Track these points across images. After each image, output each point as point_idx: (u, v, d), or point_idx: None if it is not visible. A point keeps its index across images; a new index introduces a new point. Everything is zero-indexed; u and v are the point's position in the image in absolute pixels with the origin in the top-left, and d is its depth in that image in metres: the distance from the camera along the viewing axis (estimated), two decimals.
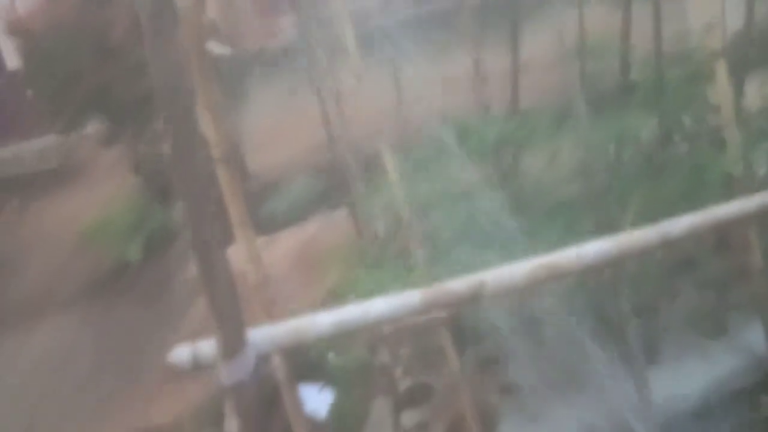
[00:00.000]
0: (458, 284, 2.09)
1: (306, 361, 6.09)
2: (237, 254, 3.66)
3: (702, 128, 5.98)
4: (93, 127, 11.84)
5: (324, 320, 2.05)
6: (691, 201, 5.41)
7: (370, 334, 4.97)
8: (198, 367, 1.97)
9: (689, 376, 5.70)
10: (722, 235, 6.19)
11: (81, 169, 13.16)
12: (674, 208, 5.29)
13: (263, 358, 1.95)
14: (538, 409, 5.68)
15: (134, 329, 8.66)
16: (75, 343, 8.59)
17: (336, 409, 6.18)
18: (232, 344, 1.87)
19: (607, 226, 5.34)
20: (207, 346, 1.95)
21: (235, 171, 4.32)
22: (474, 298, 2.06)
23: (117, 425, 7.27)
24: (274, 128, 9.46)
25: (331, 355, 5.43)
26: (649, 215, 5.45)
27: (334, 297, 6.41)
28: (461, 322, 5.37)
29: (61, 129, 12.50)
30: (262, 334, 1.99)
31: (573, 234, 4.97)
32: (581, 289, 5.38)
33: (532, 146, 5.23)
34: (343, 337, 2.08)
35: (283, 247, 8.88)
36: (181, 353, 1.96)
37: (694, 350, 5.80)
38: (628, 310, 5.21)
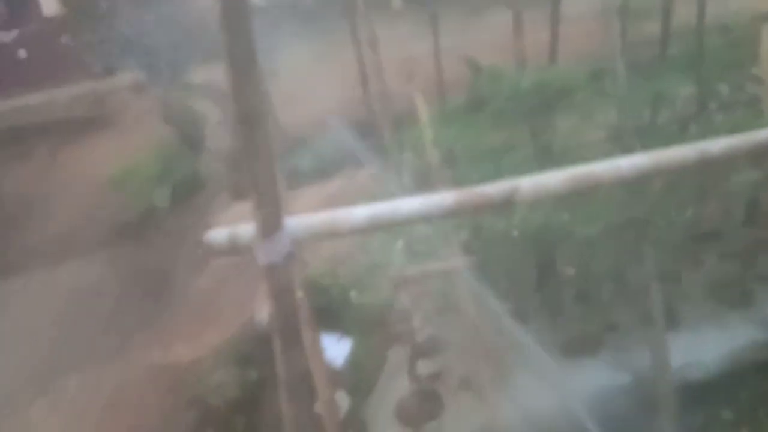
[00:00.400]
0: (492, 188, 2.10)
1: (326, 309, 6.17)
2: None
3: (740, 97, 5.90)
4: (126, 76, 11.97)
5: (359, 213, 2.08)
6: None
7: (394, 277, 5.01)
8: (234, 248, 2.01)
9: (708, 344, 5.68)
10: (751, 209, 6.14)
11: (112, 117, 13.31)
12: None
13: (299, 245, 1.98)
14: (551, 368, 5.69)
15: (158, 272, 8.81)
16: (101, 282, 8.75)
17: (354, 357, 6.26)
18: (270, 224, 1.91)
19: (634, 192, 5.33)
20: (244, 229, 1.99)
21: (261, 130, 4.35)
22: (507, 202, 2.07)
23: (137, 361, 7.42)
24: (306, 83, 9.46)
25: (353, 294, 5.48)
26: (680, 180, 5.43)
27: (357, 250, 6.47)
28: (484, 274, 5.39)
29: (96, 75, 12.64)
30: (299, 222, 2.03)
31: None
32: (605, 250, 5.37)
33: (567, 101, 5.18)
34: (376, 229, 2.11)
35: (306, 203, 8.92)
36: (218, 234, 2.00)
37: (714, 319, 5.77)
38: (651, 274, 5.18)
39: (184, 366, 7.22)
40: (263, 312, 6.10)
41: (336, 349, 6.42)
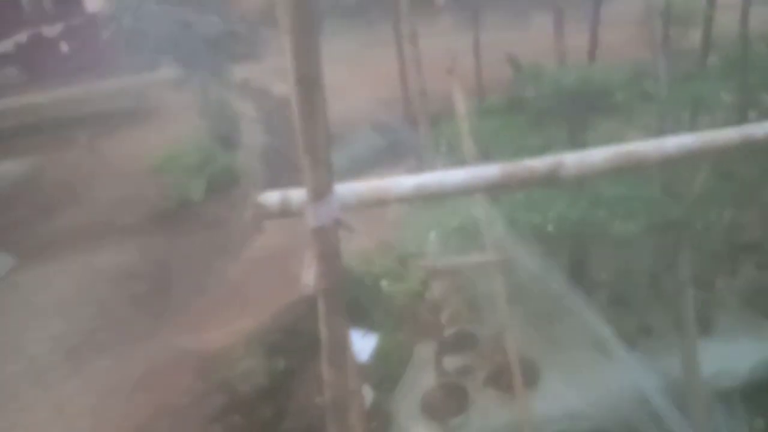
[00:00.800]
0: (537, 162, 2.13)
1: (354, 302, 6.21)
2: None
3: None
4: (165, 71, 12.21)
5: (406, 183, 2.12)
6: (761, 175, 5.33)
7: (425, 268, 5.04)
8: (285, 211, 2.07)
9: (742, 353, 5.61)
10: None
11: (151, 110, 13.58)
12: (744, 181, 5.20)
13: (346, 210, 2.02)
14: (582, 366, 5.67)
15: (192, 260, 8.95)
16: (137, 266, 8.92)
17: (380, 351, 6.29)
18: (321, 187, 1.96)
19: (673, 195, 5.30)
20: (295, 194, 2.05)
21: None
22: (551, 176, 2.09)
23: (168, 344, 7.53)
24: (346, 78, 9.54)
25: (384, 283, 5.51)
26: (718, 186, 5.39)
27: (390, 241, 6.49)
28: (515, 274, 5.39)
29: (136, 70, 12.93)
30: (348, 188, 2.08)
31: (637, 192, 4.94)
32: (641, 254, 5.34)
33: (607, 102, 5.16)
34: (422, 198, 2.13)
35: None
36: (271, 197, 2.05)
37: (748, 328, 5.70)
38: (687, 280, 5.13)
39: (214, 352, 7.31)
40: (310, 276, 6.15)
41: (362, 343, 6.45)
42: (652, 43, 5.27)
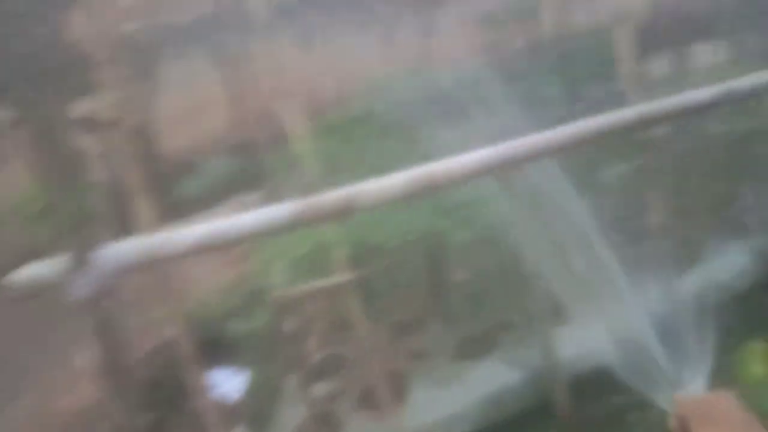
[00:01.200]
0: (330, 195, 2.00)
1: (217, 342, 5.91)
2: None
3: (604, 93, 6.12)
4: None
5: (185, 235, 1.92)
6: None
7: (276, 298, 4.85)
8: (38, 287, 1.79)
9: (596, 336, 5.78)
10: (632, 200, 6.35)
11: None
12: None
13: (115, 275, 1.78)
14: (449, 374, 5.69)
15: (44, 315, 8.27)
16: None
17: (249, 388, 6.06)
18: (77, 255, 1.72)
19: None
20: (47, 265, 1.78)
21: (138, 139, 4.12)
22: (346, 210, 1.97)
23: (24, 413, 6.92)
24: (187, 107, 9.14)
25: (238, 322, 5.27)
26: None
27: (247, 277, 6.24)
28: (372, 287, 5.32)
29: None
30: (113, 250, 1.85)
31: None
32: (486, 252, 5.40)
33: (440, 107, 5.18)
34: (208, 251, 1.93)
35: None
36: (18, 274, 1.78)
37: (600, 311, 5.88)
38: (536, 270, 5.23)
39: (74, 416, 6.80)
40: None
41: (231, 383, 6.23)
42: (485, 44, 5.36)
